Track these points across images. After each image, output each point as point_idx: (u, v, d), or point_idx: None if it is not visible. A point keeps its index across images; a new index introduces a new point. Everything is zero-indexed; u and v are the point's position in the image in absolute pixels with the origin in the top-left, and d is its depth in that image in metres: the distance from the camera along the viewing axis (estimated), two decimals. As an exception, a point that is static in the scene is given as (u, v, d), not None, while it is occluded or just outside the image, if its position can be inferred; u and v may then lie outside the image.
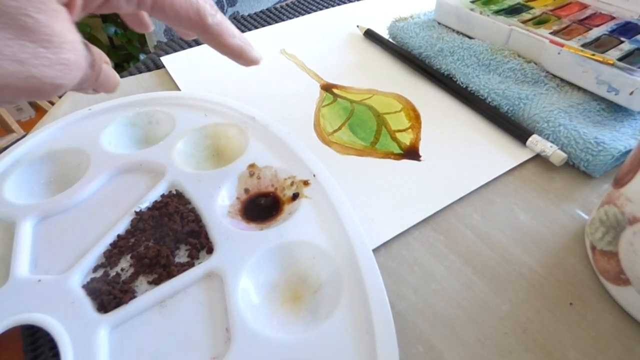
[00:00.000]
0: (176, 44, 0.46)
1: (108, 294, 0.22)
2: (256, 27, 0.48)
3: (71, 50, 0.17)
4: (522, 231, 0.26)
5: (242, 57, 0.27)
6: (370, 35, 0.44)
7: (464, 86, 0.36)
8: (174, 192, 0.27)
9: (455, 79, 0.37)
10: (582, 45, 0.34)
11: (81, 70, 0.19)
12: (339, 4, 0.53)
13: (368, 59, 0.42)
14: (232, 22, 0.49)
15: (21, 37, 0.15)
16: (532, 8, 0.40)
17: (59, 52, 0.17)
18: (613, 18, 0.38)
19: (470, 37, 0.40)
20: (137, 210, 0.26)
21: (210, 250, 0.24)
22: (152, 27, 0.28)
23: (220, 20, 0.25)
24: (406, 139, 0.33)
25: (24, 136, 0.32)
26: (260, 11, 0.52)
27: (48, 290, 0.22)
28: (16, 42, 0.15)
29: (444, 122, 0.34)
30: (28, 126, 1.35)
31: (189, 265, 0.23)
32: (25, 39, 0.15)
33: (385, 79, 0.39)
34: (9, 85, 0.16)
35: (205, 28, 0.24)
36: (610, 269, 0.22)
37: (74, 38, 0.17)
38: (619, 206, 0.21)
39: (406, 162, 0.31)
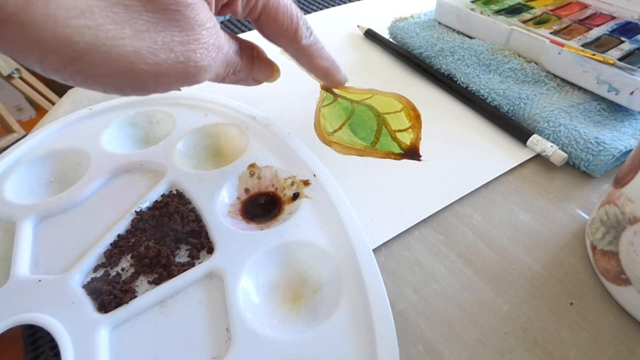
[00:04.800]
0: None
1: (108, 293, 0.22)
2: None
3: (211, 35, 0.19)
4: (522, 231, 0.26)
5: (328, 79, 0.29)
6: (370, 35, 0.44)
7: (465, 86, 0.36)
8: (175, 192, 0.27)
9: (455, 79, 0.37)
10: (583, 45, 0.34)
11: (222, 55, 0.21)
12: (339, 4, 0.53)
13: (368, 59, 0.42)
14: (232, 22, 0.50)
15: (172, 27, 0.17)
16: (532, 8, 0.40)
17: (201, 37, 0.19)
18: (613, 18, 0.38)
19: (470, 37, 0.40)
20: (138, 210, 0.26)
21: (210, 250, 0.24)
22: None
23: (313, 42, 0.26)
24: (406, 138, 0.33)
25: (24, 136, 0.32)
26: (261, 11, 0.52)
27: (48, 290, 0.22)
28: (168, 32, 0.17)
29: (445, 122, 0.34)
30: (28, 126, 1.35)
31: (190, 265, 0.23)
32: (175, 29, 0.17)
33: (385, 79, 0.39)
34: (163, 72, 0.18)
35: (299, 48, 0.25)
36: (611, 269, 0.22)
37: (213, 24, 0.19)
38: (620, 206, 0.21)
39: (406, 162, 0.31)
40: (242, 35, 0.46)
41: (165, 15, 0.17)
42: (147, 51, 0.17)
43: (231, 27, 0.49)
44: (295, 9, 0.24)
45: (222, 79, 0.23)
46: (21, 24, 0.14)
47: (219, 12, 0.22)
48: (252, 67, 0.25)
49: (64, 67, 0.16)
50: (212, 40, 0.19)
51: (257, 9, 0.23)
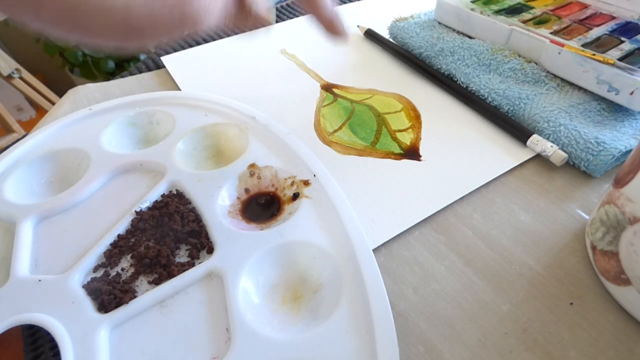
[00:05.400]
0: (176, 44, 0.46)
1: (108, 293, 0.22)
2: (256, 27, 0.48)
3: None
4: (522, 231, 0.26)
5: (332, 28, 0.28)
6: (370, 35, 0.44)
7: (465, 86, 0.36)
8: (175, 192, 0.27)
9: (455, 79, 0.37)
10: (583, 45, 0.34)
11: (220, 1, 0.21)
12: (339, 4, 0.53)
13: (368, 59, 0.42)
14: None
15: None
16: (532, 8, 0.40)
17: None
18: (613, 18, 0.38)
19: (470, 37, 0.40)
20: (138, 210, 0.26)
21: (210, 250, 0.24)
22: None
23: None
24: (406, 138, 0.33)
25: (24, 136, 0.32)
26: (261, 11, 0.52)
27: (48, 290, 0.22)
28: None
29: (445, 122, 0.34)
30: (28, 126, 1.35)
31: (190, 265, 0.23)
32: None
33: (385, 78, 0.39)
34: (159, 20, 0.18)
35: None
36: (611, 269, 0.22)
37: None
38: (620, 206, 0.21)
39: (406, 162, 0.31)
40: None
41: None
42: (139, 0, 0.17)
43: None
44: None
45: (221, 25, 0.23)
46: None
47: None
48: (249, 17, 0.24)
49: (61, 23, 0.16)
50: None
51: None
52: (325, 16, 0.27)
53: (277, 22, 0.49)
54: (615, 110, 0.32)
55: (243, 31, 0.26)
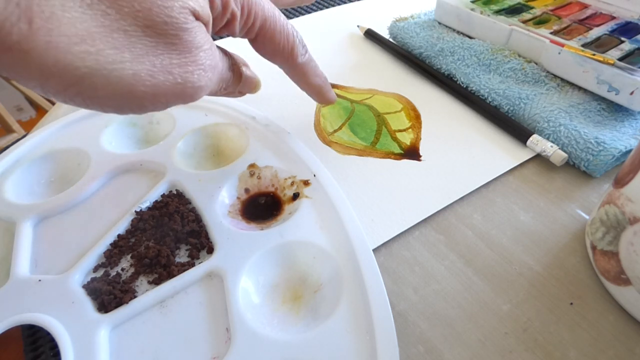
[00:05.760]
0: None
1: (108, 293, 0.22)
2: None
3: (208, 57, 0.20)
4: (522, 231, 0.26)
5: (320, 96, 0.29)
6: (370, 35, 0.44)
7: (465, 86, 0.36)
8: (175, 192, 0.27)
9: (455, 79, 0.37)
10: (583, 45, 0.34)
11: (217, 73, 0.21)
12: (339, 4, 0.53)
13: (368, 59, 0.42)
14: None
15: (170, 50, 0.18)
16: (532, 8, 0.40)
17: (198, 59, 0.19)
18: (613, 18, 0.38)
19: (470, 37, 0.40)
20: (138, 210, 0.26)
21: (210, 250, 0.24)
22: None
23: (308, 60, 0.26)
24: (406, 138, 0.33)
25: (24, 136, 0.32)
26: (261, 11, 0.52)
27: (48, 290, 0.22)
28: (166, 55, 0.18)
29: (445, 122, 0.34)
30: (28, 126, 1.35)
31: (190, 265, 0.23)
32: (173, 52, 0.18)
33: (385, 78, 0.39)
34: (161, 93, 0.18)
35: (294, 66, 0.26)
36: (611, 269, 0.22)
37: (210, 46, 0.20)
38: (620, 206, 0.21)
39: (406, 162, 0.31)
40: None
41: (164, 40, 0.18)
42: (146, 74, 0.17)
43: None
44: (291, 28, 0.24)
45: (214, 93, 0.24)
46: (24, 52, 0.15)
47: (217, 32, 0.22)
48: (240, 81, 0.26)
49: (65, 90, 0.16)
50: (208, 62, 0.20)
51: (255, 29, 0.23)
52: (315, 87, 0.28)
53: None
54: (615, 110, 0.32)
55: (234, 96, 0.27)
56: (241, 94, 0.28)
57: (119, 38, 0.16)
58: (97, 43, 0.16)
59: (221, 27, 0.22)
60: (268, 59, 0.26)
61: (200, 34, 0.19)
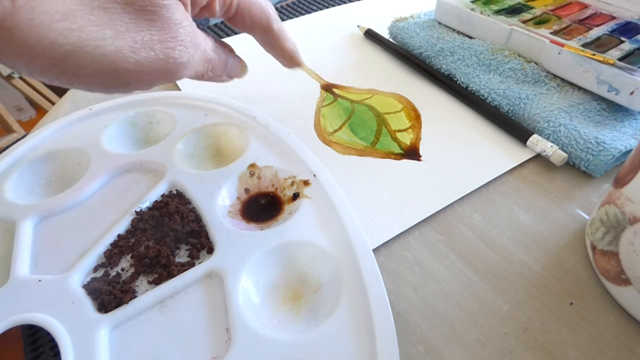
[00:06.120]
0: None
1: (108, 293, 0.22)
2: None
3: (188, 34, 0.20)
4: (522, 231, 0.26)
5: (291, 60, 0.31)
6: (370, 35, 0.44)
7: (465, 86, 0.36)
8: (175, 192, 0.27)
9: (455, 79, 0.37)
10: (583, 45, 0.34)
11: (200, 52, 0.22)
12: (339, 4, 0.53)
13: (368, 59, 0.42)
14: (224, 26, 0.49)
15: (150, 27, 0.18)
16: (532, 8, 0.40)
17: (178, 35, 0.19)
18: (613, 18, 0.38)
19: (470, 37, 0.40)
20: (138, 210, 0.26)
21: (210, 250, 0.24)
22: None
23: (281, 25, 0.28)
24: (406, 138, 0.33)
25: (24, 136, 0.32)
26: (261, 11, 0.52)
27: (48, 290, 0.22)
28: (146, 32, 0.18)
29: (445, 122, 0.34)
30: (28, 126, 1.35)
31: (190, 265, 0.23)
32: (152, 28, 0.18)
33: (385, 78, 0.39)
34: (144, 69, 0.18)
35: (270, 32, 0.27)
36: (611, 269, 0.22)
37: (189, 23, 0.20)
38: (620, 206, 0.21)
39: (406, 162, 0.31)
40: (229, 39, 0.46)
41: (143, 16, 0.18)
42: (128, 50, 0.18)
43: (221, 30, 0.49)
44: None
45: (201, 76, 0.24)
46: (8, 30, 0.15)
47: (197, 15, 0.23)
48: (226, 64, 0.26)
49: (50, 69, 0.17)
50: (189, 38, 0.20)
51: (233, 7, 0.24)
52: (288, 50, 0.30)
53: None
54: (615, 110, 0.32)
55: (223, 80, 0.28)
56: (229, 78, 0.28)
57: (100, 15, 0.17)
58: (78, 20, 0.16)
59: (202, 8, 0.22)
60: (247, 31, 0.27)
61: (179, 12, 0.19)
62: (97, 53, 0.17)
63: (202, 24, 0.51)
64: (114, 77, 0.18)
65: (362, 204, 0.28)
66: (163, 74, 0.20)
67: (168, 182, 0.28)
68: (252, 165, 0.29)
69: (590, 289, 0.23)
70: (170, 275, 0.23)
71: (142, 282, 0.23)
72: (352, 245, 0.23)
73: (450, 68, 0.37)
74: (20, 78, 1.10)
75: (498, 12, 0.40)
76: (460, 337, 0.21)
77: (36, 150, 0.30)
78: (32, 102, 1.23)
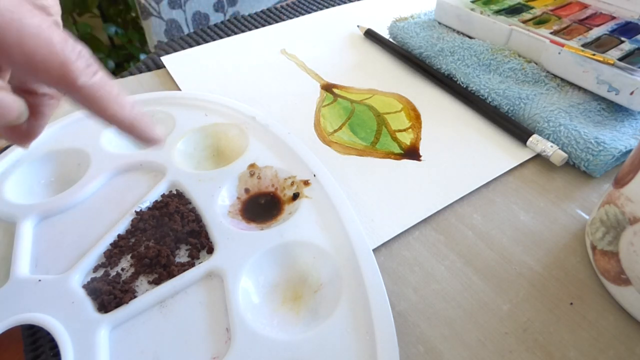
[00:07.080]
0: (176, 44, 0.46)
1: (108, 293, 0.22)
2: (256, 27, 0.48)
3: None
4: (522, 231, 0.26)
5: (136, 135, 0.20)
6: (370, 35, 0.44)
7: (465, 86, 0.36)
8: (175, 192, 0.27)
9: (455, 79, 0.37)
10: (583, 45, 0.34)
11: None
12: (339, 4, 0.53)
13: (368, 59, 0.42)
14: (233, 23, 0.50)
15: None
16: (532, 8, 0.40)
17: None
18: (613, 18, 0.38)
19: (470, 37, 0.40)
20: (138, 210, 0.26)
21: (210, 250, 0.24)
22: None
23: (99, 83, 0.18)
24: (406, 138, 0.33)
25: (24, 136, 0.32)
26: (261, 11, 0.52)
27: (48, 290, 0.22)
28: None
29: (445, 122, 0.34)
30: (28, 126, 1.34)
31: (190, 265, 0.23)
32: None
33: (385, 78, 0.39)
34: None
35: (75, 88, 0.17)
36: (611, 269, 0.22)
37: None
38: (620, 206, 0.21)
39: (406, 162, 0.31)
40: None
41: None
42: None
43: (234, 25, 0.49)
44: (60, 39, 0.16)
45: None
46: None
47: None
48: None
49: None
50: None
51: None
52: (125, 122, 0.20)
53: (277, 22, 0.50)
54: (615, 110, 0.32)
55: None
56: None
57: None
58: None
59: None
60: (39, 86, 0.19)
61: None
62: None
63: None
64: None
65: (362, 204, 0.28)
66: None
67: (168, 182, 0.28)
68: (252, 165, 0.29)
69: (590, 289, 0.23)
70: (170, 275, 0.23)
71: (142, 282, 0.23)
72: (352, 245, 0.23)
73: (450, 68, 0.37)
74: (20, 78, 1.10)
75: (498, 12, 0.40)
76: (460, 337, 0.21)
77: (36, 150, 0.30)
78: (32, 102, 1.23)
